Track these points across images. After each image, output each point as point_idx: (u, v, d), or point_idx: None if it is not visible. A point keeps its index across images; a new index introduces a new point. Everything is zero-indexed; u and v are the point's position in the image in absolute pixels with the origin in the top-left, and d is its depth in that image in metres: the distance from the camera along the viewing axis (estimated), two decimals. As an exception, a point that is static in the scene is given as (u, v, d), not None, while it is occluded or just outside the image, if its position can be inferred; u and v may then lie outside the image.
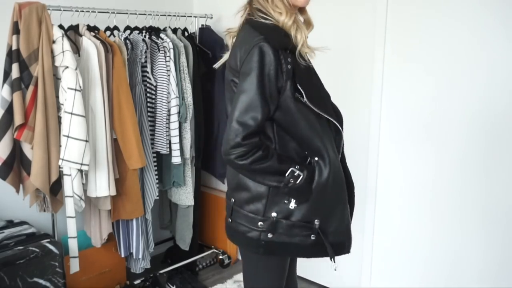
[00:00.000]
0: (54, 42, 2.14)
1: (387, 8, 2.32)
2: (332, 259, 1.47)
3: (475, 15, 2.07)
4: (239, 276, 2.86)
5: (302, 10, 1.46)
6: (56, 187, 2.22)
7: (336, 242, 1.47)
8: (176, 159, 2.57)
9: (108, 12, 2.41)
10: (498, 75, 2.04)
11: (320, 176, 1.39)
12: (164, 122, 2.51)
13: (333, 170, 1.41)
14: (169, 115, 2.52)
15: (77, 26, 2.32)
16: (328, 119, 1.44)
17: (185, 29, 2.76)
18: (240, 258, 2.52)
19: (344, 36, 2.53)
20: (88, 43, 2.24)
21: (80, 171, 2.19)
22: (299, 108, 1.36)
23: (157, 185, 2.57)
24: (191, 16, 2.83)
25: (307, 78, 1.40)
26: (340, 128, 1.49)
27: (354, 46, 2.51)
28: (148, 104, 2.52)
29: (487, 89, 2.08)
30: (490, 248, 2.15)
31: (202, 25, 2.90)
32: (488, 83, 2.07)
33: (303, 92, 1.34)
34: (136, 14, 2.51)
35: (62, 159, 2.11)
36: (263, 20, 1.37)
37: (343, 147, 1.54)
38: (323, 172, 1.39)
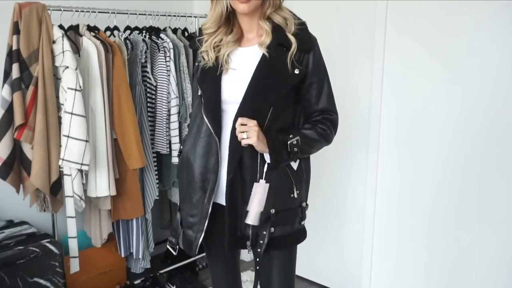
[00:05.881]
0: (54, 42, 2.15)
1: (387, 10, 2.32)
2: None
3: (476, 16, 2.07)
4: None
5: (269, 16, 1.43)
6: (56, 187, 2.22)
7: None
8: (176, 159, 2.57)
9: (108, 12, 2.41)
10: (498, 75, 2.05)
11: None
12: (164, 122, 2.51)
13: (181, 162, 1.58)
14: (169, 115, 2.52)
15: (77, 26, 2.32)
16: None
17: (185, 29, 2.76)
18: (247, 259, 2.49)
19: (344, 37, 2.53)
20: (88, 43, 2.24)
21: (80, 171, 2.19)
22: (195, 100, 1.55)
23: (157, 185, 2.57)
24: (191, 16, 2.83)
25: (205, 76, 1.50)
26: (212, 131, 1.44)
27: (355, 47, 2.51)
28: (148, 104, 2.52)
29: (487, 89, 2.08)
30: (490, 249, 2.15)
31: (202, 25, 2.89)
32: (489, 83, 2.08)
33: (198, 87, 1.51)
34: (136, 14, 2.51)
35: (62, 159, 2.11)
36: None
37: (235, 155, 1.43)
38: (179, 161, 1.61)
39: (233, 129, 1.40)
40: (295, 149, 1.42)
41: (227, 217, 1.46)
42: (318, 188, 2.67)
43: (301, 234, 1.56)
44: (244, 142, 1.37)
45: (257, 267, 1.49)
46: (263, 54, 1.42)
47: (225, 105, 1.44)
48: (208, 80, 1.48)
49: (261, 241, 1.44)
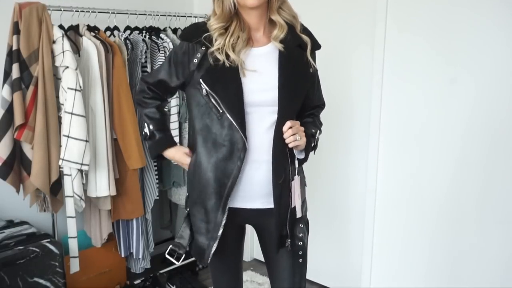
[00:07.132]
0: (54, 42, 2.15)
1: (387, 8, 2.32)
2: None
3: (476, 17, 2.07)
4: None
5: (277, 11, 1.42)
6: (56, 187, 2.22)
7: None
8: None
9: (108, 12, 2.41)
10: (499, 76, 2.05)
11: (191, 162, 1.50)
12: (164, 122, 2.51)
13: (193, 169, 1.47)
14: (169, 115, 2.52)
15: (77, 26, 2.32)
16: (231, 122, 1.38)
17: (185, 29, 2.76)
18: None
19: (344, 36, 2.53)
20: (88, 43, 2.24)
21: (80, 171, 2.19)
22: (196, 97, 1.43)
23: (157, 185, 2.57)
24: (191, 16, 2.83)
25: (218, 77, 1.40)
26: (242, 135, 1.38)
27: (355, 47, 2.51)
28: (148, 104, 2.52)
29: (487, 90, 2.08)
30: (492, 248, 2.15)
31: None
32: (489, 84, 2.07)
33: (203, 86, 1.40)
34: (136, 14, 2.51)
35: (62, 159, 2.11)
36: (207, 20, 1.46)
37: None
38: (195, 162, 1.47)
39: (278, 132, 1.39)
40: (318, 142, 1.52)
41: (277, 220, 1.44)
42: (317, 187, 2.68)
43: (308, 225, 1.59)
44: (294, 144, 1.39)
45: (300, 260, 1.50)
46: (280, 54, 1.41)
47: (249, 107, 1.40)
48: (226, 81, 1.40)
49: (301, 234, 1.47)
